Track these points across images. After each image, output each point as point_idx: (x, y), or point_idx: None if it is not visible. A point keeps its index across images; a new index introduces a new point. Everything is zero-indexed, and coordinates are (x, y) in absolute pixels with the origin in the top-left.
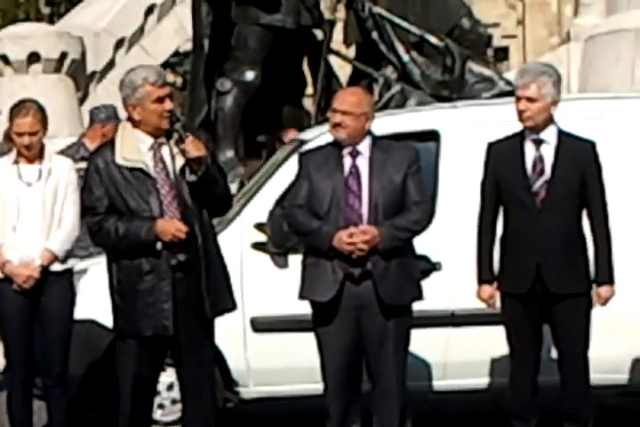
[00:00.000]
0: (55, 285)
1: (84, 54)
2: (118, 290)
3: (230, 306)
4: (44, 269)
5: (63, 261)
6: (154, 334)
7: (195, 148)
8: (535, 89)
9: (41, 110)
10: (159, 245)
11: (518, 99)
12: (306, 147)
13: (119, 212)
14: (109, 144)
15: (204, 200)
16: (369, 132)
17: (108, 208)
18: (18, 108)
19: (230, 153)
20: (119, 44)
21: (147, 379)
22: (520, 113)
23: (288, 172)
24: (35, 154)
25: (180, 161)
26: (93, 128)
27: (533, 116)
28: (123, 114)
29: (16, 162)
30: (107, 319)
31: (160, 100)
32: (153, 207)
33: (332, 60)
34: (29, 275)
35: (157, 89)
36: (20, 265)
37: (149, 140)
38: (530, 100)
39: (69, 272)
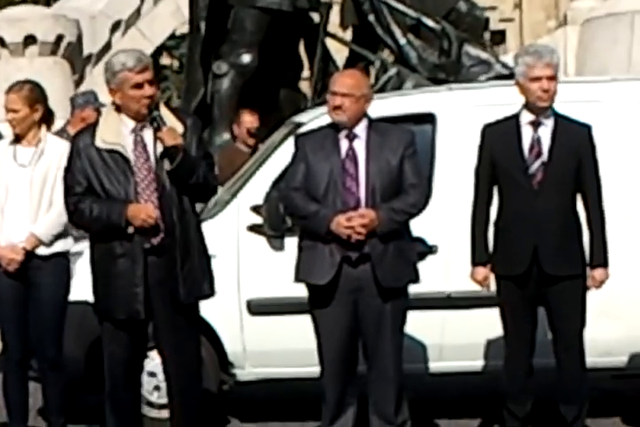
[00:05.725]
0: (44, 268)
1: (80, 37)
2: (94, 272)
3: (208, 292)
4: (31, 253)
5: (50, 245)
6: (127, 318)
7: (169, 137)
8: (555, 67)
9: (33, 91)
10: (131, 229)
11: (537, 79)
12: (302, 129)
13: (96, 194)
14: (92, 127)
15: (182, 187)
16: (365, 115)
17: (87, 190)
18: (12, 85)
19: (227, 135)
20: (115, 26)
21: (125, 361)
22: (544, 92)
23: (284, 154)
24: (24, 133)
25: (160, 147)
26: (74, 114)
27: (553, 96)
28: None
29: (13, 143)
30: None
31: (138, 86)
32: (127, 191)
33: (329, 42)
34: (12, 258)
35: (135, 75)
36: (4, 247)
37: (131, 124)
38: (551, 78)
39: (61, 255)
